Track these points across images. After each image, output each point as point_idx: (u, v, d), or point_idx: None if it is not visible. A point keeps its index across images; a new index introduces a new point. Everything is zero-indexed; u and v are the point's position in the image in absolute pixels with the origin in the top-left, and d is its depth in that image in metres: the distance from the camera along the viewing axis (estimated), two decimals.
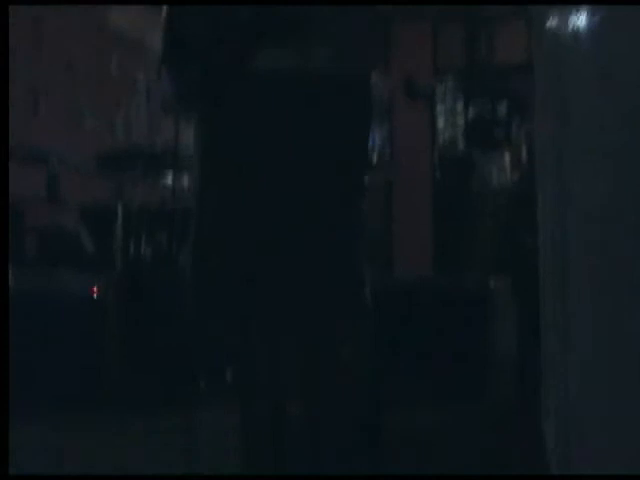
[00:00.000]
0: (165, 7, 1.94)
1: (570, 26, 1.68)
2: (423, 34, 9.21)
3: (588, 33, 1.63)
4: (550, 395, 2.03)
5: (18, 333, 3.92)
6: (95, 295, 4.49)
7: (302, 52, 1.84)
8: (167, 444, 3.32)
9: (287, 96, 1.84)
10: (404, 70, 9.58)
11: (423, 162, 9.26)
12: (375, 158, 9.85)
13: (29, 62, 6.25)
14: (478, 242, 7.86)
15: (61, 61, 6.66)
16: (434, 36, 9.31)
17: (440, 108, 9.51)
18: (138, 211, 5.11)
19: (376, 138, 9.83)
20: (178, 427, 3.30)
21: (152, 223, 5.09)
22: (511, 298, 4.67)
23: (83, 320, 4.45)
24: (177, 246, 4.97)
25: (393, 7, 6.98)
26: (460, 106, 9.62)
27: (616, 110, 1.52)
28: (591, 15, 1.58)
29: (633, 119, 1.49)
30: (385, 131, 9.49)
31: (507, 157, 9.51)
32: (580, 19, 1.66)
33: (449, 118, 9.55)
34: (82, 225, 5.56)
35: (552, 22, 1.85)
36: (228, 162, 1.91)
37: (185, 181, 4.88)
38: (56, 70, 6.60)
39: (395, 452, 2.86)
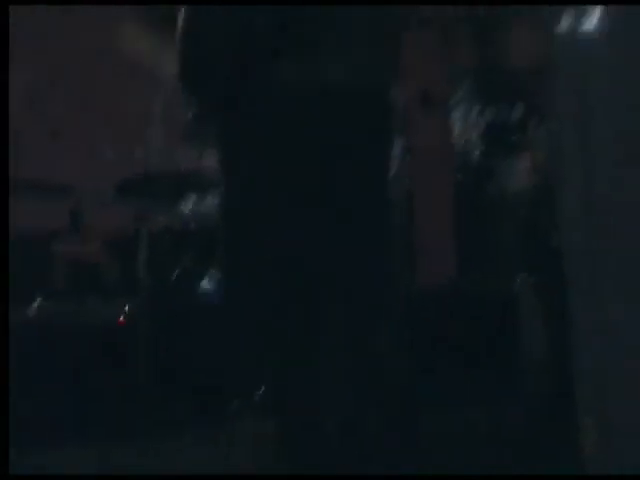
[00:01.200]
0: (180, 27, 1.96)
1: (587, 26, 1.67)
2: (437, 41, 9.20)
3: (606, 34, 1.63)
4: (587, 394, 2.02)
5: (46, 364, 3.94)
6: (123, 323, 4.51)
7: (318, 65, 1.85)
8: (200, 465, 3.32)
9: (306, 110, 1.85)
10: (420, 78, 9.61)
11: (443, 170, 9.23)
12: (395, 168, 9.87)
13: (46, 95, 6.32)
14: (501, 247, 7.83)
15: (77, 97, 6.72)
16: (448, 42, 9.29)
17: (457, 115, 9.49)
18: (161, 236, 5.13)
19: (395, 148, 9.83)
20: (211, 447, 3.30)
21: (176, 247, 5.11)
22: (538, 300, 4.67)
23: (112, 349, 4.47)
24: (204, 269, 4.99)
25: (406, 12, 6.98)
26: (477, 112, 9.61)
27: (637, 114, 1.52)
28: (607, 15, 1.58)
29: None
30: (403, 140, 9.49)
31: (528, 161, 9.52)
32: (596, 19, 1.65)
33: (466, 124, 9.53)
34: (106, 254, 5.60)
35: (568, 23, 1.84)
36: (252, 177, 1.92)
37: (207, 203, 4.90)
38: (74, 102, 6.67)
39: (433, 455, 2.85)
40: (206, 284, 4.80)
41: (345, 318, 1.99)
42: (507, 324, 4.57)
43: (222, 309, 1.88)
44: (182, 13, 1.96)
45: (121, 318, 4.50)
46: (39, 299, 4.72)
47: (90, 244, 5.89)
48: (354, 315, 1.97)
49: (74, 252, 5.93)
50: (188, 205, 5.27)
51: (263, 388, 2.49)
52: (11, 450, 2.07)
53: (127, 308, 4.64)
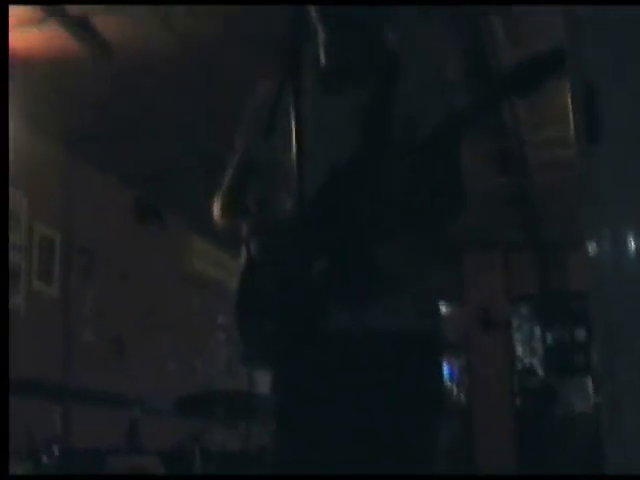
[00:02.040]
0: (243, 256, 2.03)
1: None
2: (495, 261, 9.33)
3: None
4: None
5: None
6: None
7: (370, 313, 1.91)
8: None
9: (354, 356, 1.90)
10: (479, 299, 9.67)
11: (503, 390, 9.10)
12: (453, 390, 9.76)
13: (113, 305, 6.48)
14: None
15: (144, 305, 6.88)
16: (507, 262, 9.42)
17: (517, 336, 9.48)
18: (216, 456, 5.10)
19: (454, 369, 9.77)
20: None
21: (230, 466, 5.06)
22: None
23: None
24: None
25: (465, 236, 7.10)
26: (538, 332, 9.58)
27: None
28: None
29: None
30: (462, 361, 9.44)
31: (588, 383, 9.35)
32: None
33: (526, 345, 9.49)
34: (162, 468, 5.56)
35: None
36: (304, 407, 1.94)
37: (260, 427, 4.88)
38: (140, 314, 6.82)
39: None
40: None
41: None
42: None
43: None
44: (249, 244, 2.05)
45: None
46: None
47: (146, 457, 5.86)
48: None
49: (130, 463, 5.90)
50: (242, 428, 5.25)
51: None
52: None
53: None
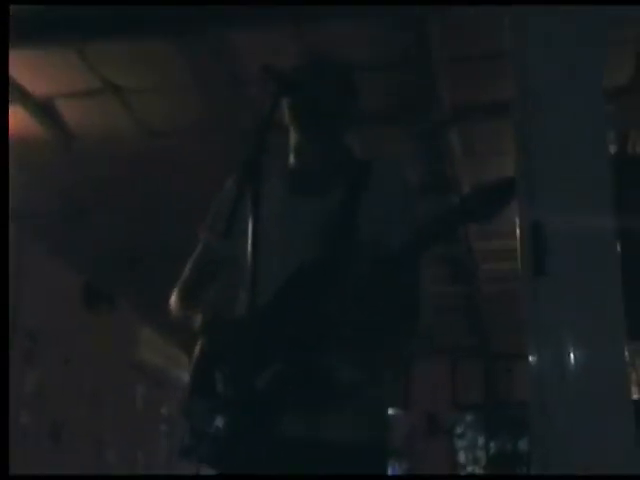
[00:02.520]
0: (196, 351, 2.03)
1: None
2: (442, 369, 9.37)
3: None
4: None
5: None
6: None
7: (323, 421, 1.91)
8: None
9: (301, 461, 1.89)
10: (424, 406, 9.65)
11: None
12: None
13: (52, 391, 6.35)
14: None
15: (86, 392, 6.75)
16: (453, 370, 9.47)
17: (461, 443, 9.46)
18: None
19: (398, 474, 9.66)
20: None
21: None
22: None
23: None
24: None
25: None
26: (481, 441, 9.56)
27: None
28: None
29: None
30: (407, 466, 9.37)
31: None
32: None
33: (470, 453, 9.46)
34: None
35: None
36: None
37: None
38: (81, 400, 6.68)
39: None
40: None
41: None
42: None
43: None
44: (203, 340, 2.06)
45: None
46: None
47: None
48: None
49: None
50: None
51: None
52: None
53: None
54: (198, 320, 2.04)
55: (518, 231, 1.99)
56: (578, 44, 2.02)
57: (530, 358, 1.94)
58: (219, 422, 1.91)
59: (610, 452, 1.83)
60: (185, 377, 2.04)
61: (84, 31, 3.97)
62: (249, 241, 1.81)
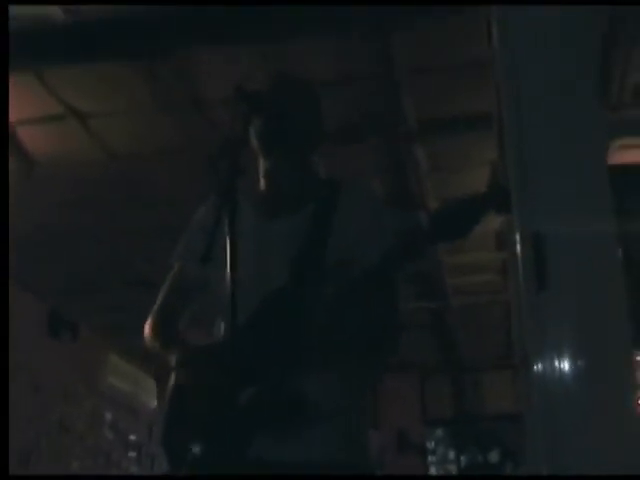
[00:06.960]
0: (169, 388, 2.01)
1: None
2: (411, 384, 9.38)
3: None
4: None
5: None
6: None
7: (296, 443, 1.90)
8: None
9: None
10: (394, 422, 9.64)
11: None
12: None
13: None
14: None
15: (54, 419, 6.68)
16: (422, 386, 9.49)
17: (432, 458, 9.47)
18: None
19: None
20: None
21: None
22: None
23: None
24: None
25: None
26: (452, 455, 9.58)
27: None
28: None
29: None
30: None
31: None
32: None
33: (440, 467, 9.48)
34: None
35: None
36: None
37: None
38: (49, 428, 6.60)
39: None
40: None
41: None
42: None
43: None
44: (178, 367, 2.04)
45: None
46: None
47: None
48: None
49: None
50: None
51: None
52: None
53: None
54: (173, 351, 2.02)
55: (518, 246, 1.97)
56: (567, 45, 1.98)
57: (532, 369, 1.93)
58: (196, 449, 1.90)
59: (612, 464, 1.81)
60: (153, 403, 2.02)
61: (43, 55, 3.95)
62: (223, 267, 1.79)
